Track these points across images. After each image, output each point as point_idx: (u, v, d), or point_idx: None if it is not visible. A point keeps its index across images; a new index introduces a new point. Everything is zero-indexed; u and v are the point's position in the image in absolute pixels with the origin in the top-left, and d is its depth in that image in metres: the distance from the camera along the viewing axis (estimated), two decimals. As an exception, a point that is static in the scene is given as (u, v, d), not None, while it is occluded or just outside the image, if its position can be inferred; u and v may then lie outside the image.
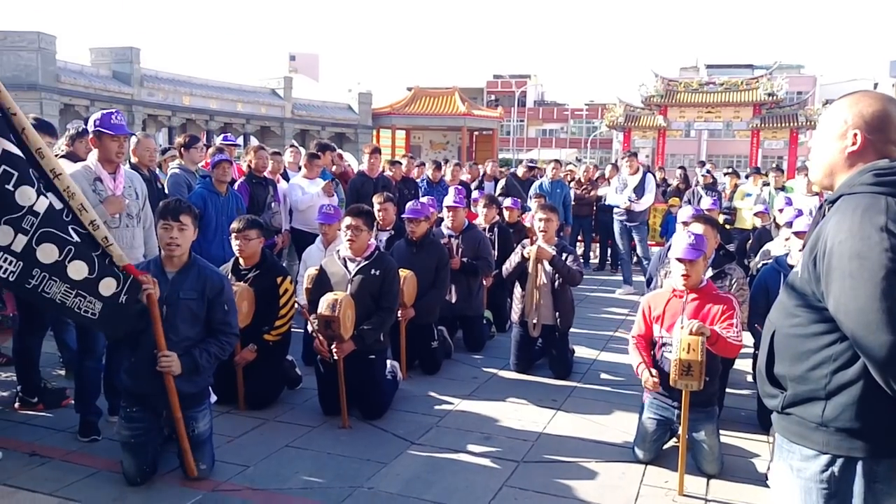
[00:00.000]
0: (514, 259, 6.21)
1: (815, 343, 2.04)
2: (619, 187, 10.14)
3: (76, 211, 3.51)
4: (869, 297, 1.86)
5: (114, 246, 3.65)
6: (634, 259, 10.82)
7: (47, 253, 3.38)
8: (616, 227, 10.33)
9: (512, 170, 13.72)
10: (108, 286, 3.62)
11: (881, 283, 1.85)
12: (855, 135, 2.07)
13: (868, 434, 1.97)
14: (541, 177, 11.87)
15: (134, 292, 3.71)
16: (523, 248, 6.14)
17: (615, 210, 10.27)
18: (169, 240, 3.88)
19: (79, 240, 3.51)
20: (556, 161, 12.32)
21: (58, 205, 3.46)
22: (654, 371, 4.21)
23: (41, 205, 3.34)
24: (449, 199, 7.07)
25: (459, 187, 8.35)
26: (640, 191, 9.88)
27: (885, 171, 1.99)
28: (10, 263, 3.31)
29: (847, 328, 1.93)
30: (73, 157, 5.23)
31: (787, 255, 5.27)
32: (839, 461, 2.01)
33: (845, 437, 1.99)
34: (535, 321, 6.02)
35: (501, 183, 11.54)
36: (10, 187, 3.25)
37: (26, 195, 3.29)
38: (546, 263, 5.99)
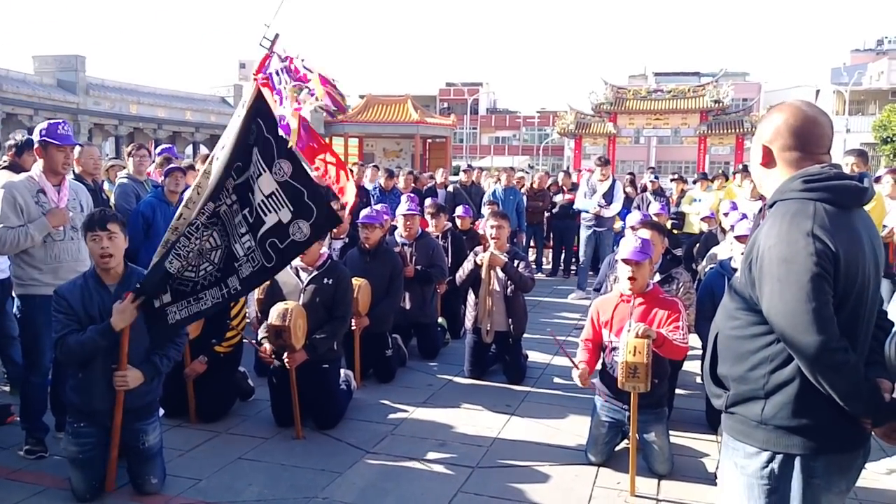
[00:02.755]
0: (467, 266, 6.25)
1: (753, 344, 2.12)
2: (588, 192, 10.14)
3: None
4: (796, 299, 1.96)
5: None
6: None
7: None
8: (583, 234, 10.29)
9: (457, 179, 13.68)
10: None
11: (807, 285, 1.95)
12: (780, 145, 2.17)
13: (805, 431, 2.05)
14: (477, 180, 11.96)
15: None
16: (476, 255, 6.18)
17: (583, 215, 10.27)
18: (101, 251, 3.75)
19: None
20: (510, 168, 12.43)
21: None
22: (583, 365, 4.30)
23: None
24: (403, 208, 7.08)
25: (412, 195, 8.37)
26: (608, 197, 9.97)
27: (814, 177, 2.07)
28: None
29: (778, 329, 2.02)
30: (15, 167, 5.11)
31: (731, 258, 5.39)
32: (778, 458, 2.08)
33: (784, 434, 2.07)
34: (488, 327, 6.06)
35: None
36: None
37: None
38: (499, 270, 6.04)
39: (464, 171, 12.65)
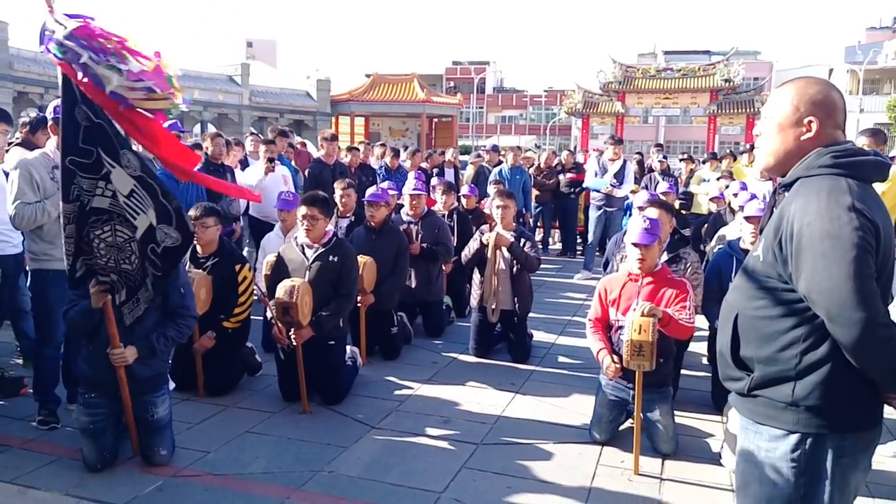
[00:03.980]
0: (472, 245, 6.25)
1: (782, 324, 2.06)
2: (599, 171, 10.10)
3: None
4: (842, 275, 1.91)
5: None
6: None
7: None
8: (592, 214, 10.23)
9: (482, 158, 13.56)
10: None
11: (853, 262, 1.90)
12: (810, 122, 2.11)
13: (837, 411, 2.01)
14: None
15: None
16: (482, 234, 6.18)
17: (593, 195, 10.20)
18: None
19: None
20: (517, 147, 12.37)
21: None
22: (615, 357, 4.23)
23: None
24: (410, 187, 7.09)
25: (419, 172, 8.35)
26: (620, 177, 9.92)
27: (841, 153, 2.04)
28: None
29: (821, 307, 1.96)
30: (28, 144, 5.13)
31: (739, 239, 5.37)
32: (809, 439, 2.04)
33: (815, 415, 2.02)
34: (493, 306, 6.07)
35: (469, 171, 11.60)
36: None
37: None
38: (504, 250, 6.05)
39: (486, 151, 12.53)
